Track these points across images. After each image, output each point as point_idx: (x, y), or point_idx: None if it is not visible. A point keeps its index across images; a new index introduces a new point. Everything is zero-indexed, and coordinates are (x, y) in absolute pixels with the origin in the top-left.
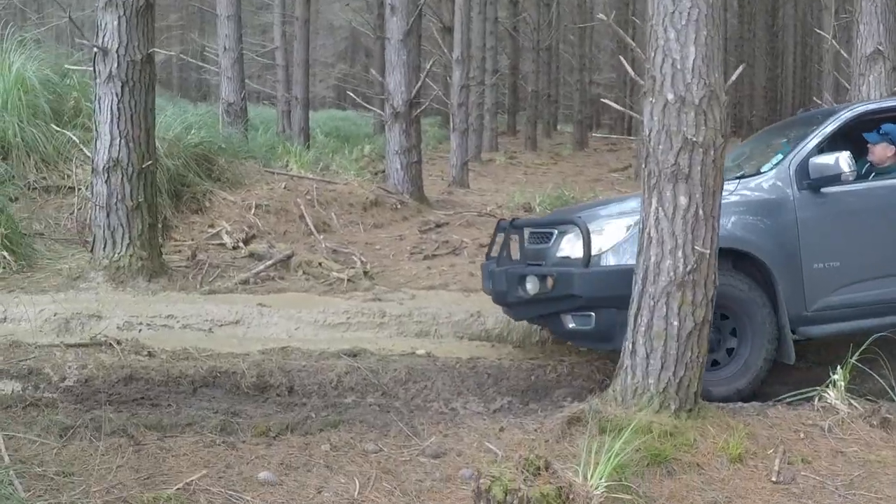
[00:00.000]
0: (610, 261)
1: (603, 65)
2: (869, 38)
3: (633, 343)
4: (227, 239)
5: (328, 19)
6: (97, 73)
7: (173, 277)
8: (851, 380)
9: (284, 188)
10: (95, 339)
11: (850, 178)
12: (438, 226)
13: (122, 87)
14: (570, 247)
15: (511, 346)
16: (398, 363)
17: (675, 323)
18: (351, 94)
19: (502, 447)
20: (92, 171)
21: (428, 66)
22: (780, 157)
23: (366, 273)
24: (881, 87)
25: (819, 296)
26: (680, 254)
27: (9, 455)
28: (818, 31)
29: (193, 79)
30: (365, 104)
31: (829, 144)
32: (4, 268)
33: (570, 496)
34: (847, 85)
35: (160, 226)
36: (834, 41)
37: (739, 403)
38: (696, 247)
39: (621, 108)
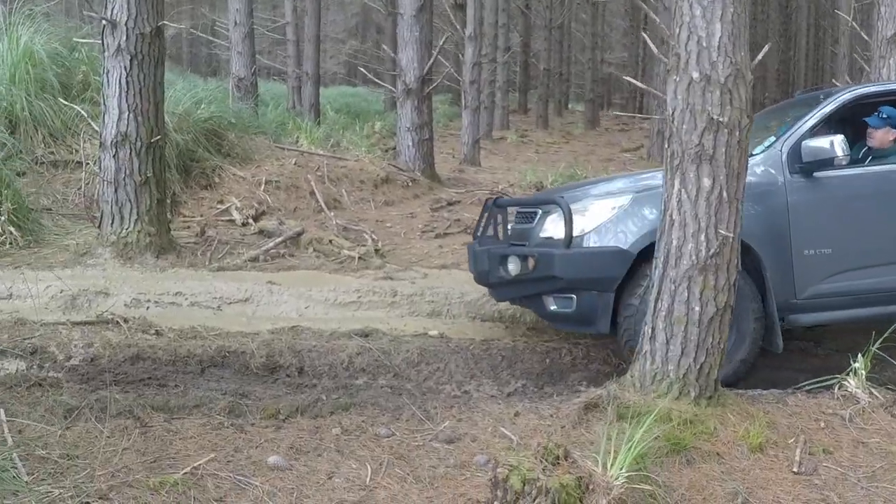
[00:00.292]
0: (592, 242)
1: (615, 44)
2: (890, 21)
3: (653, 328)
4: (236, 215)
5: None
6: (106, 46)
7: (182, 254)
8: (871, 368)
9: (295, 164)
10: (102, 316)
11: (844, 163)
12: (450, 204)
13: (131, 60)
14: (553, 227)
15: (525, 328)
16: (410, 344)
17: (697, 308)
18: (363, 70)
19: (517, 433)
20: (100, 146)
21: (441, 43)
22: (772, 139)
23: (377, 251)
24: None
25: (809, 283)
26: (703, 237)
27: (12, 437)
28: (837, 12)
29: (203, 54)
30: (376, 80)
31: (825, 127)
32: (11, 243)
33: (590, 486)
34: (867, 67)
35: (169, 201)
36: (854, 23)
37: (758, 390)
38: (719, 230)
39: (643, 87)
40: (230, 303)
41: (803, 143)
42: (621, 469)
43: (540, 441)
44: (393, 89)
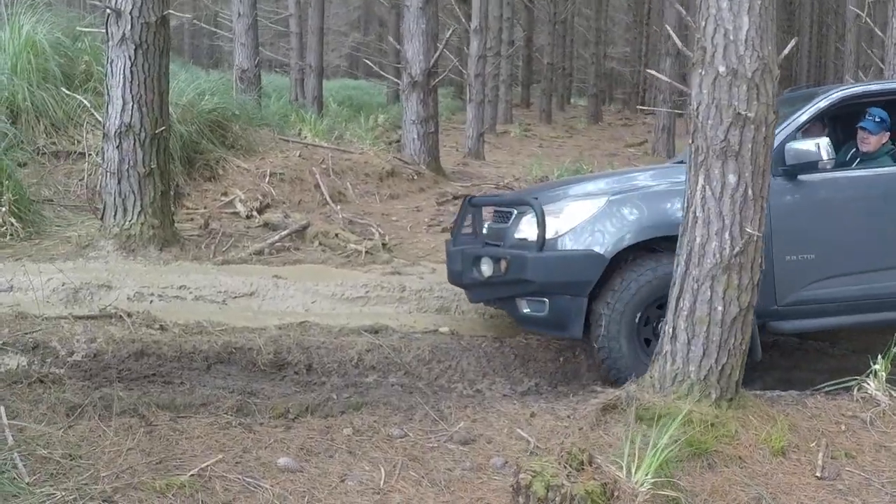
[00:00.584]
0: (567, 245)
1: (618, 39)
2: None
3: (674, 328)
4: (240, 207)
5: None
6: (110, 35)
7: (186, 247)
8: (891, 370)
9: (299, 156)
10: (105, 310)
11: (829, 166)
12: (456, 198)
13: (136, 49)
14: (528, 228)
15: None
16: (421, 341)
17: (720, 308)
18: (367, 62)
19: (534, 434)
20: (103, 137)
21: (447, 35)
22: None
23: (384, 245)
24: None
25: (791, 290)
26: (727, 235)
27: (12, 435)
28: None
29: (205, 45)
30: (380, 72)
31: (810, 129)
32: (12, 235)
33: (615, 493)
34: (881, 64)
35: (172, 193)
36: (868, 19)
37: (777, 392)
38: (745, 228)
39: (666, 79)
40: (235, 297)
41: (787, 145)
42: (646, 475)
43: (562, 445)
44: (397, 81)
